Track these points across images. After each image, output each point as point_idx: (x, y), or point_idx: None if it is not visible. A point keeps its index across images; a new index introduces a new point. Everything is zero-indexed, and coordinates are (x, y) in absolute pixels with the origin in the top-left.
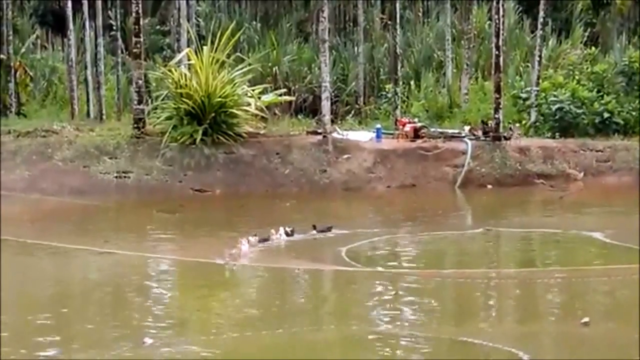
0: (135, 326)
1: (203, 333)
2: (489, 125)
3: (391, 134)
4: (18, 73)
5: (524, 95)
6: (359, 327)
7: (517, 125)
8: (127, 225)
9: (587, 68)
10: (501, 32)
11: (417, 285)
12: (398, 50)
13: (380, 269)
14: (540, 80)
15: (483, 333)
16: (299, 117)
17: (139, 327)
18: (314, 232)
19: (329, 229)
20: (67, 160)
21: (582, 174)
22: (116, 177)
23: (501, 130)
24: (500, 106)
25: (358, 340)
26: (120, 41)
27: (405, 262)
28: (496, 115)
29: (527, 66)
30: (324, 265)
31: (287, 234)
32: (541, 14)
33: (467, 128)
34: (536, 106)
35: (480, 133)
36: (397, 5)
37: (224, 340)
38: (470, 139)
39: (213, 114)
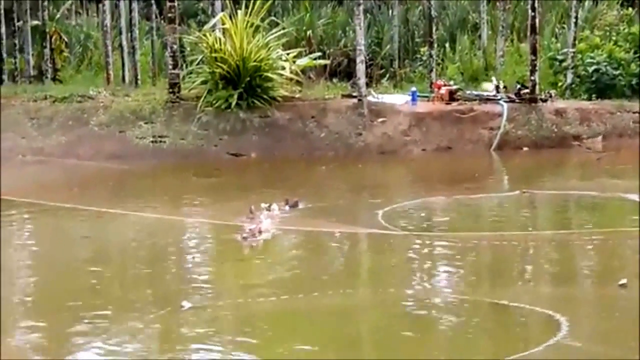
0: (173, 290)
1: (240, 296)
2: (527, 87)
3: (426, 96)
4: (53, 39)
5: (560, 57)
6: (395, 290)
7: (554, 92)
8: (163, 190)
9: (624, 29)
10: None
11: (453, 248)
12: (433, 13)
13: (416, 232)
14: (577, 42)
15: (519, 296)
16: (334, 80)
17: (177, 290)
18: (286, 207)
19: (296, 204)
20: (103, 125)
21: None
22: (152, 141)
23: (537, 92)
24: (536, 68)
25: (394, 303)
26: (154, 6)
27: (441, 225)
28: (532, 78)
29: (563, 28)
30: (359, 228)
31: (292, 206)
32: None
33: (495, 83)
34: (572, 68)
35: (513, 94)
36: None
37: (260, 304)
38: (506, 102)
39: (248, 78)
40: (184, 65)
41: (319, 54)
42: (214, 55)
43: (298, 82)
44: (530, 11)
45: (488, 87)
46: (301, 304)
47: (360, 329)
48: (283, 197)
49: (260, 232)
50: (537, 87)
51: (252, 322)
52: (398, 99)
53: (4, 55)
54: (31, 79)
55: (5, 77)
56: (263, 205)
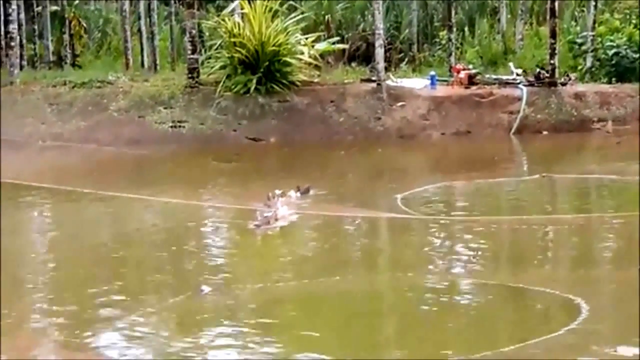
0: (192, 274)
1: (259, 281)
2: (546, 71)
3: (445, 81)
4: (72, 25)
5: (579, 41)
6: (415, 274)
7: (574, 76)
8: (182, 174)
9: None
10: None
11: (473, 232)
12: None
13: (436, 216)
14: (596, 25)
15: (540, 279)
16: (353, 65)
17: (196, 275)
18: (298, 194)
19: (307, 190)
20: (122, 110)
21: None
22: (171, 126)
23: (556, 75)
24: (556, 52)
25: (414, 287)
26: None
27: (461, 209)
28: (551, 61)
29: (583, 11)
30: (379, 213)
31: (303, 193)
32: None
33: (515, 71)
34: (592, 51)
35: (533, 78)
36: None
37: (280, 288)
38: (525, 85)
39: (267, 63)
40: (203, 50)
41: (338, 38)
42: (232, 40)
43: (317, 67)
44: None
45: (512, 71)
46: (321, 288)
47: (380, 312)
48: (295, 185)
49: (276, 219)
50: (557, 70)
51: (272, 306)
52: (417, 83)
53: (24, 41)
54: (50, 65)
55: (24, 62)
56: (277, 192)
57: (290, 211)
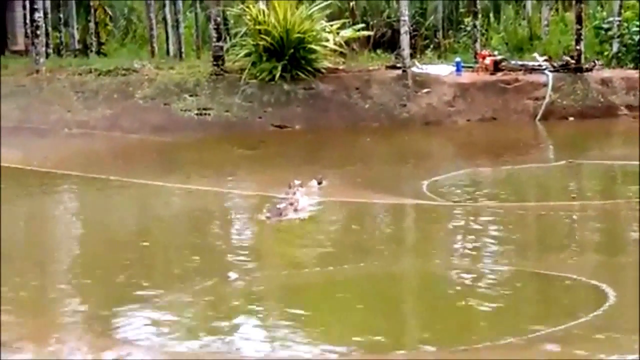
0: (219, 261)
1: (285, 267)
2: (572, 57)
3: (471, 67)
4: (97, 12)
5: (605, 26)
6: (440, 260)
7: (600, 61)
8: (208, 162)
9: None
10: None
11: (499, 218)
12: None
13: (461, 202)
14: (623, 10)
15: (566, 266)
16: (378, 51)
17: (223, 262)
18: (318, 184)
19: (320, 181)
20: (148, 98)
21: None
22: (196, 114)
23: (582, 61)
24: (582, 37)
25: (439, 274)
26: None
27: (486, 195)
28: (577, 47)
29: None
30: (404, 199)
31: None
32: None
33: (540, 60)
34: (618, 37)
35: (559, 65)
36: None
37: (306, 275)
38: (551, 71)
39: (292, 50)
40: (228, 38)
41: (363, 25)
42: (257, 27)
43: (342, 54)
44: None
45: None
46: (347, 274)
47: (405, 299)
48: (319, 172)
49: (295, 210)
50: (583, 56)
51: (298, 292)
52: (442, 70)
53: (49, 29)
54: (76, 53)
55: (50, 50)
56: (296, 182)
57: (310, 201)
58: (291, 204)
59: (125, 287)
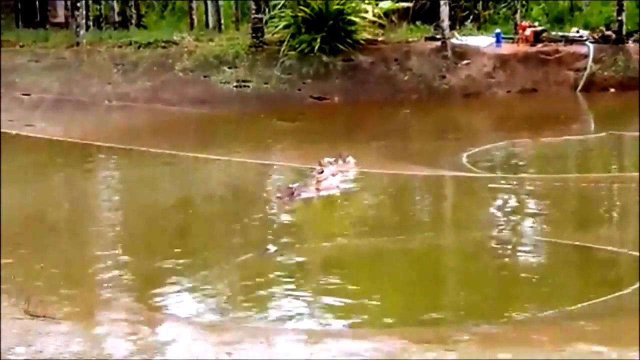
0: (258, 234)
1: (325, 240)
2: (613, 31)
3: (511, 38)
4: None
5: None
6: (480, 232)
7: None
8: (247, 134)
9: None
10: None
11: (539, 190)
12: None
13: (501, 174)
14: None
15: (606, 238)
16: (417, 23)
17: (261, 234)
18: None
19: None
20: (187, 70)
21: None
22: (235, 86)
23: (623, 32)
24: (623, 8)
25: (479, 246)
26: None
27: (526, 167)
28: (619, 18)
29: None
30: (444, 171)
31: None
32: None
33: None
34: None
35: (599, 36)
36: None
37: (345, 247)
38: (592, 42)
39: (331, 22)
40: (267, 10)
41: None
42: None
43: (381, 25)
44: None
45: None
46: (386, 246)
47: (445, 271)
48: (341, 152)
49: (317, 189)
50: (624, 27)
51: (337, 264)
52: (482, 41)
53: (89, 2)
54: (116, 25)
55: (90, 23)
56: (327, 159)
57: (336, 181)
58: (315, 183)
59: (165, 259)
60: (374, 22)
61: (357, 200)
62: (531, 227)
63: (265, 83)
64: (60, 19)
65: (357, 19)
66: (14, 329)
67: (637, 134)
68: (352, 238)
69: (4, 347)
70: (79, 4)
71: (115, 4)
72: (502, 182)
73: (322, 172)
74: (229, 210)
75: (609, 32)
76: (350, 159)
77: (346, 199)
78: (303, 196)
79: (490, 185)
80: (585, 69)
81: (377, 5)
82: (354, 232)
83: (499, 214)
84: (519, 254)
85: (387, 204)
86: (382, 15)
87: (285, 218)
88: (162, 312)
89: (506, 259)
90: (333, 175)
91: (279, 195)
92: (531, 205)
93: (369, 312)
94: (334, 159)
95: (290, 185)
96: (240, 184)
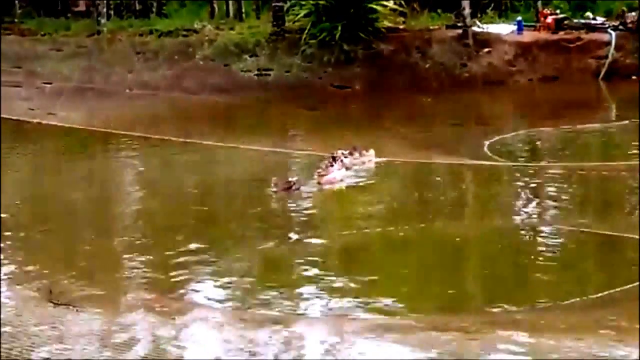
0: (279, 222)
1: (345, 228)
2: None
3: (532, 26)
4: None
5: None
6: (502, 221)
7: None
8: (268, 122)
9: None
10: None
11: (561, 178)
12: None
13: (523, 162)
14: None
15: (628, 226)
16: (438, 11)
17: (283, 222)
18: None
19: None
20: (208, 58)
21: None
22: (256, 74)
23: None
24: None
25: (501, 234)
26: None
27: (548, 155)
28: None
29: None
30: (465, 159)
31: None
32: None
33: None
34: None
35: (618, 22)
36: None
37: (366, 235)
38: (614, 30)
39: (352, 10)
40: None
41: None
42: None
43: (402, 13)
44: None
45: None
46: (408, 235)
47: (466, 259)
48: (353, 146)
49: (319, 183)
50: None
51: (359, 252)
52: (503, 29)
53: None
54: (137, 14)
55: (111, 12)
56: (340, 151)
57: (344, 174)
58: (317, 177)
59: (187, 246)
60: (395, 10)
61: (377, 188)
62: (553, 215)
63: (287, 71)
64: (82, 7)
65: (378, 7)
66: (37, 317)
67: None
68: (373, 226)
69: (29, 333)
70: None
71: None
72: (524, 170)
73: (332, 164)
74: (248, 197)
75: (632, 14)
76: (372, 151)
77: (367, 186)
78: (303, 190)
79: (511, 173)
80: (607, 56)
81: None
82: (375, 220)
83: (520, 202)
84: (541, 242)
85: (407, 192)
86: (403, 3)
87: (307, 205)
88: (184, 301)
89: (527, 247)
90: (339, 169)
91: (274, 189)
92: (553, 193)
93: (398, 297)
94: (348, 151)
95: (290, 179)
96: (260, 171)
